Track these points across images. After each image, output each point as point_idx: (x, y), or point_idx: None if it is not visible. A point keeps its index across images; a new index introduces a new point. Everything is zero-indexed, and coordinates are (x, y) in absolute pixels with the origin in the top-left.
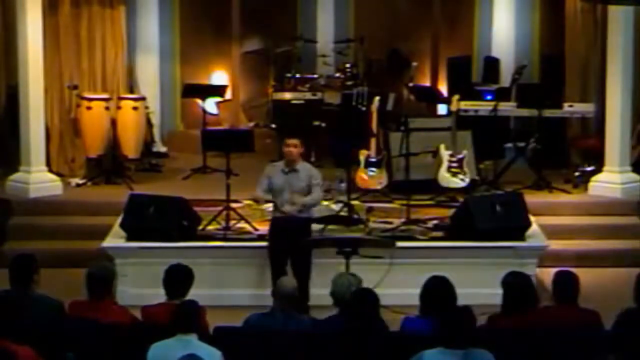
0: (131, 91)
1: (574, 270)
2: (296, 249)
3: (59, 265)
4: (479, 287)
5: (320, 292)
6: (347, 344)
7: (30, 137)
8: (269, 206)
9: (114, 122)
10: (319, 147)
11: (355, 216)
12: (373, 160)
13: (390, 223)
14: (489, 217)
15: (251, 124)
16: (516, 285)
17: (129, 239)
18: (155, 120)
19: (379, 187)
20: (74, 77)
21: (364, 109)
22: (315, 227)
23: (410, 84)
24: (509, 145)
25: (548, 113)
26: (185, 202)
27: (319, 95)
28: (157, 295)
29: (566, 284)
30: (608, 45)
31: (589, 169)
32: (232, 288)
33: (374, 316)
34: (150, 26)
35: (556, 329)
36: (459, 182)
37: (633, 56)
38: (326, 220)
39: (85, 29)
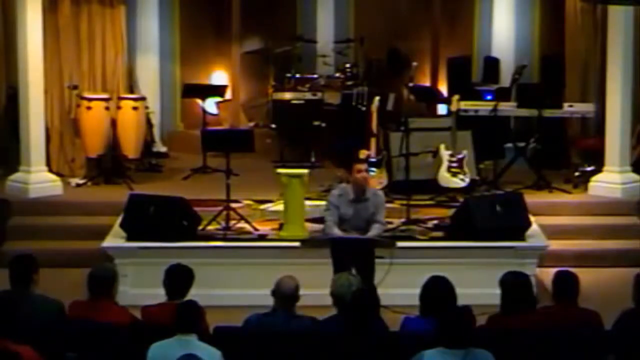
0: (131, 91)
1: (574, 270)
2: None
3: (59, 265)
4: (479, 287)
5: (320, 292)
6: (347, 344)
7: (30, 137)
8: (269, 206)
9: (114, 122)
10: (319, 147)
11: None
12: (373, 160)
13: (390, 223)
14: (489, 217)
15: (251, 124)
16: (514, 285)
17: (129, 239)
18: (155, 120)
19: (379, 187)
20: (74, 77)
21: (364, 109)
22: (315, 227)
23: (410, 84)
24: (509, 145)
25: (548, 113)
26: (185, 202)
27: (319, 95)
28: (157, 295)
29: (566, 283)
30: (608, 45)
31: (589, 169)
32: (232, 288)
33: (374, 316)
34: (150, 26)
35: (556, 329)
36: (459, 182)
37: (633, 56)
38: None
39: (85, 28)
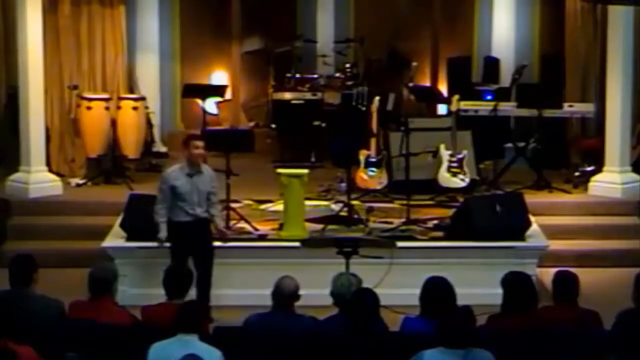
0: (131, 91)
1: (574, 270)
2: (200, 250)
3: (59, 265)
4: (479, 287)
5: (320, 292)
6: (347, 344)
7: (30, 137)
8: (269, 206)
9: (114, 122)
10: (319, 147)
11: (355, 216)
12: (373, 160)
13: (390, 223)
14: (489, 217)
15: (251, 124)
16: (516, 285)
17: (129, 239)
18: (155, 120)
19: (379, 187)
20: (74, 77)
21: (364, 109)
22: (315, 227)
23: (410, 84)
24: (509, 145)
25: (548, 113)
26: None
27: (319, 95)
28: (157, 295)
29: (566, 284)
30: (608, 45)
31: (589, 169)
32: (232, 288)
33: (374, 316)
34: (150, 26)
35: (556, 329)
36: (459, 182)
37: (633, 56)
38: (326, 220)
39: (85, 29)
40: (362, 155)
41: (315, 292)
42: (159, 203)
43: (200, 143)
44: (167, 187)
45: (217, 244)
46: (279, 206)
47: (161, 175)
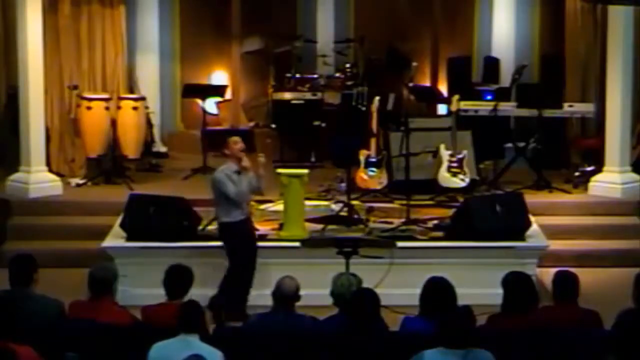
0: (131, 91)
1: (574, 270)
2: (251, 249)
3: (59, 265)
4: (479, 287)
5: (320, 292)
6: (347, 344)
7: (30, 137)
8: (269, 206)
9: (114, 122)
10: (319, 147)
11: (355, 216)
12: (373, 160)
13: (390, 223)
14: (489, 217)
15: (251, 124)
16: (516, 285)
17: (129, 239)
18: (155, 120)
19: (379, 187)
20: (74, 77)
21: (364, 109)
22: (315, 227)
23: (410, 84)
24: (509, 145)
25: (548, 113)
26: (185, 202)
27: (319, 95)
28: (157, 295)
29: (566, 284)
30: (608, 45)
31: (589, 169)
32: None
33: (374, 316)
34: (150, 26)
35: (556, 329)
36: (459, 182)
37: (633, 56)
38: (326, 220)
39: (85, 29)
40: (362, 155)
41: (315, 292)
42: (232, 188)
43: (237, 138)
44: (229, 179)
45: (218, 243)
46: (279, 206)
47: (216, 176)
